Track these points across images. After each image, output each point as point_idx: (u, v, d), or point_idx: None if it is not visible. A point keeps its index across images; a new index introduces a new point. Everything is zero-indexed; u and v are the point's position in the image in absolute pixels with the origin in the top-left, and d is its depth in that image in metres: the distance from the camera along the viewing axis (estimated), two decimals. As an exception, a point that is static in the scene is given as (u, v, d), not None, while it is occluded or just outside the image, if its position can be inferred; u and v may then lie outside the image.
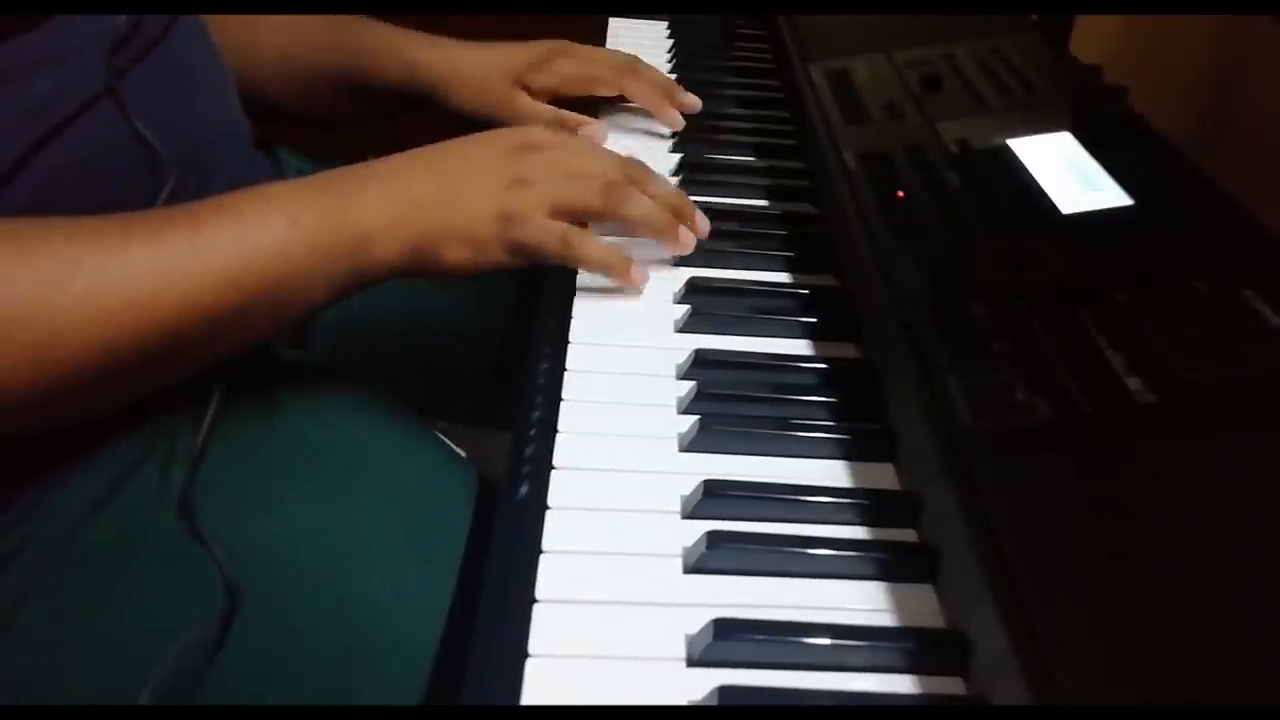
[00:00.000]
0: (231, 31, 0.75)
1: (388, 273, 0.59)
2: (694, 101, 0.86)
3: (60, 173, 0.57)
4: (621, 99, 0.86)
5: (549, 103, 0.83)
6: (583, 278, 0.66)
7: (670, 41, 1.06)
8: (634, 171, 0.65)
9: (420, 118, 0.84)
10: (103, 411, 0.56)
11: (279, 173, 0.85)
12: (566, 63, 0.83)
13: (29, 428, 0.53)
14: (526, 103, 0.82)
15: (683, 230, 0.66)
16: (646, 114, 0.86)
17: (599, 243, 0.63)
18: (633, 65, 0.85)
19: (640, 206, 0.63)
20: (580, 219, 0.63)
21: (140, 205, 0.57)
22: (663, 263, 0.68)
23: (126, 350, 0.51)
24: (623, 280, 0.64)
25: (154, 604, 0.57)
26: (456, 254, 0.59)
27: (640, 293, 0.65)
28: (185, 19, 0.67)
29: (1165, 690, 0.36)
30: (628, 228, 0.64)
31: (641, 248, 0.67)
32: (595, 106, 0.86)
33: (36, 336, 0.49)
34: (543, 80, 0.83)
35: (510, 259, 0.61)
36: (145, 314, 0.51)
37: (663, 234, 0.65)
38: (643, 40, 1.06)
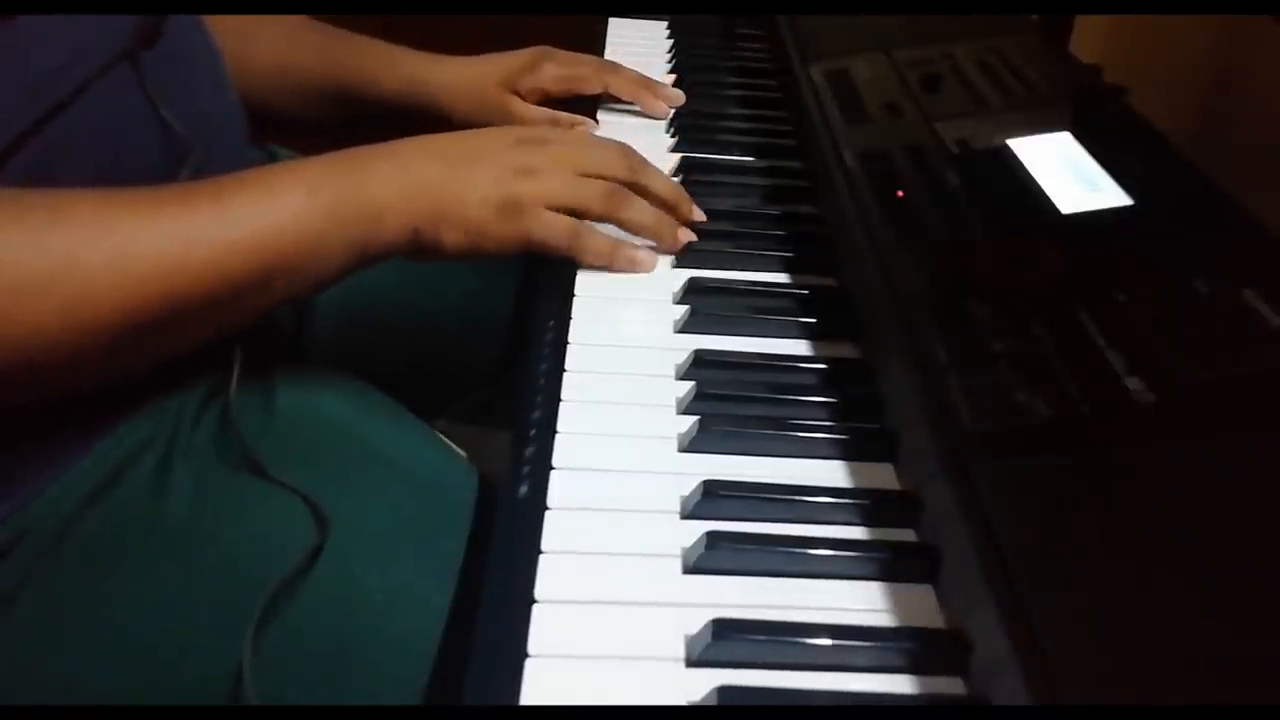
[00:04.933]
0: (228, 43, 0.75)
1: (391, 251, 0.61)
2: (675, 94, 0.91)
3: (75, 143, 0.58)
4: (608, 102, 0.90)
5: (539, 104, 0.88)
6: (583, 277, 0.66)
7: (670, 41, 1.06)
8: (635, 163, 0.67)
9: (409, 123, 0.87)
10: (132, 374, 0.58)
11: None
12: (551, 65, 0.89)
13: (60, 389, 0.55)
14: (521, 106, 0.87)
15: (681, 231, 0.69)
16: (644, 121, 0.89)
17: (605, 238, 0.65)
18: (613, 64, 0.91)
19: (639, 212, 0.66)
20: (579, 218, 0.64)
21: (159, 183, 0.58)
22: (663, 263, 0.68)
23: (154, 311, 0.53)
24: (629, 269, 0.66)
25: (158, 590, 0.57)
26: (455, 238, 0.61)
27: (652, 269, 0.67)
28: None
29: (1165, 690, 0.36)
30: (625, 230, 0.66)
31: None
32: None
33: (68, 295, 0.51)
34: (531, 82, 0.88)
35: (509, 248, 0.63)
36: (172, 277, 0.53)
37: (659, 237, 0.68)
38: (642, 40, 1.07)
